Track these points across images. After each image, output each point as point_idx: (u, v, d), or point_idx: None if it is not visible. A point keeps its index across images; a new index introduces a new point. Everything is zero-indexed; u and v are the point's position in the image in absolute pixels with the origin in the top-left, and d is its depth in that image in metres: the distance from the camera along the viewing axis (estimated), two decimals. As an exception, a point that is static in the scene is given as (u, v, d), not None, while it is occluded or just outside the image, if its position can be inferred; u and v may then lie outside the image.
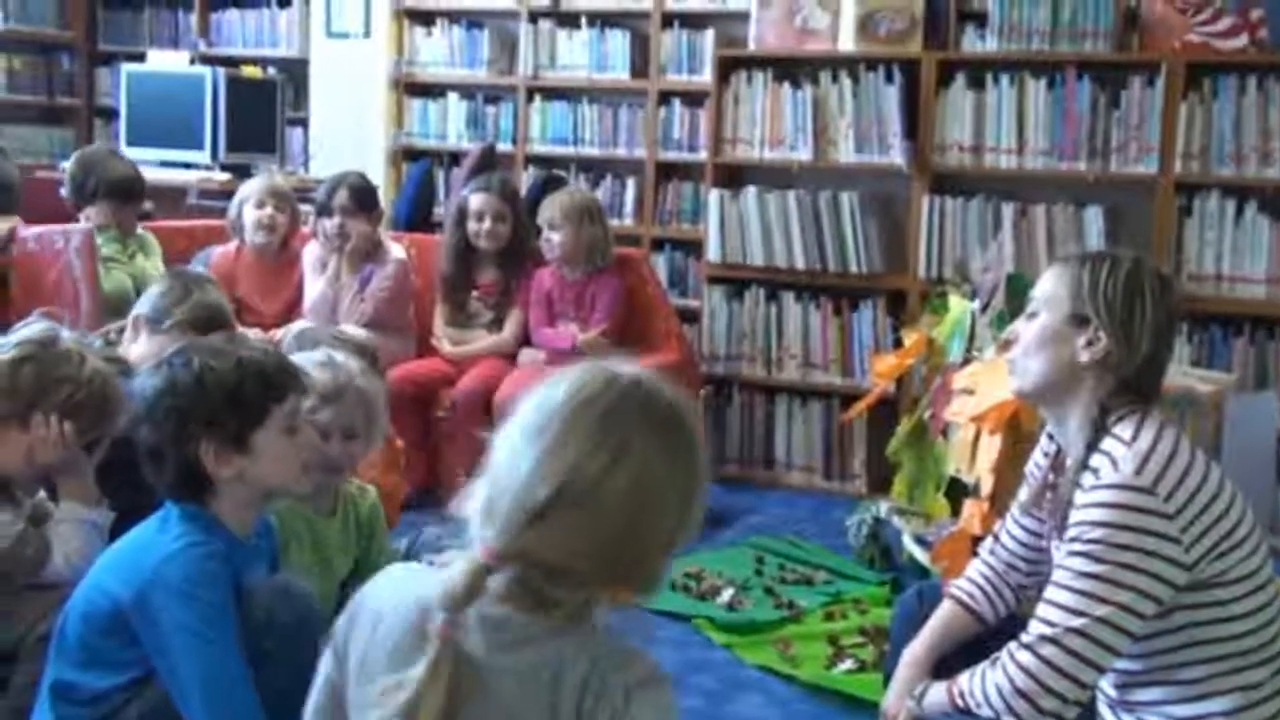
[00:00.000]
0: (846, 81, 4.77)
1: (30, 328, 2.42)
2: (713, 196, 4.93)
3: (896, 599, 3.02)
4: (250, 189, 4.52)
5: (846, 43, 4.80)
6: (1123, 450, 1.91)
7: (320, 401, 2.48)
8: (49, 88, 7.31)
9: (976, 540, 2.79)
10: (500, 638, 1.29)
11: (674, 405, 1.34)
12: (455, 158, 6.11)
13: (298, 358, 2.56)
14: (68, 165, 4.41)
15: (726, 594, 3.63)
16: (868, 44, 4.75)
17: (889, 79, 4.70)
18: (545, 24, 5.95)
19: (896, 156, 4.69)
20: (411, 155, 6.27)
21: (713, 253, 4.95)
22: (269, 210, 4.44)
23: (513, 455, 1.30)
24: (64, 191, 4.37)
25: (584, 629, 1.32)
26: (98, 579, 2.09)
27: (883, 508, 3.91)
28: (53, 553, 2.36)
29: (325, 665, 1.46)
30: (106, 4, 7.40)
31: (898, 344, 4.40)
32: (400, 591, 1.38)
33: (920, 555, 3.51)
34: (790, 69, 4.91)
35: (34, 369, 2.35)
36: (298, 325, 4.06)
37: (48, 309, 2.61)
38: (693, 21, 5.66)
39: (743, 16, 5.21)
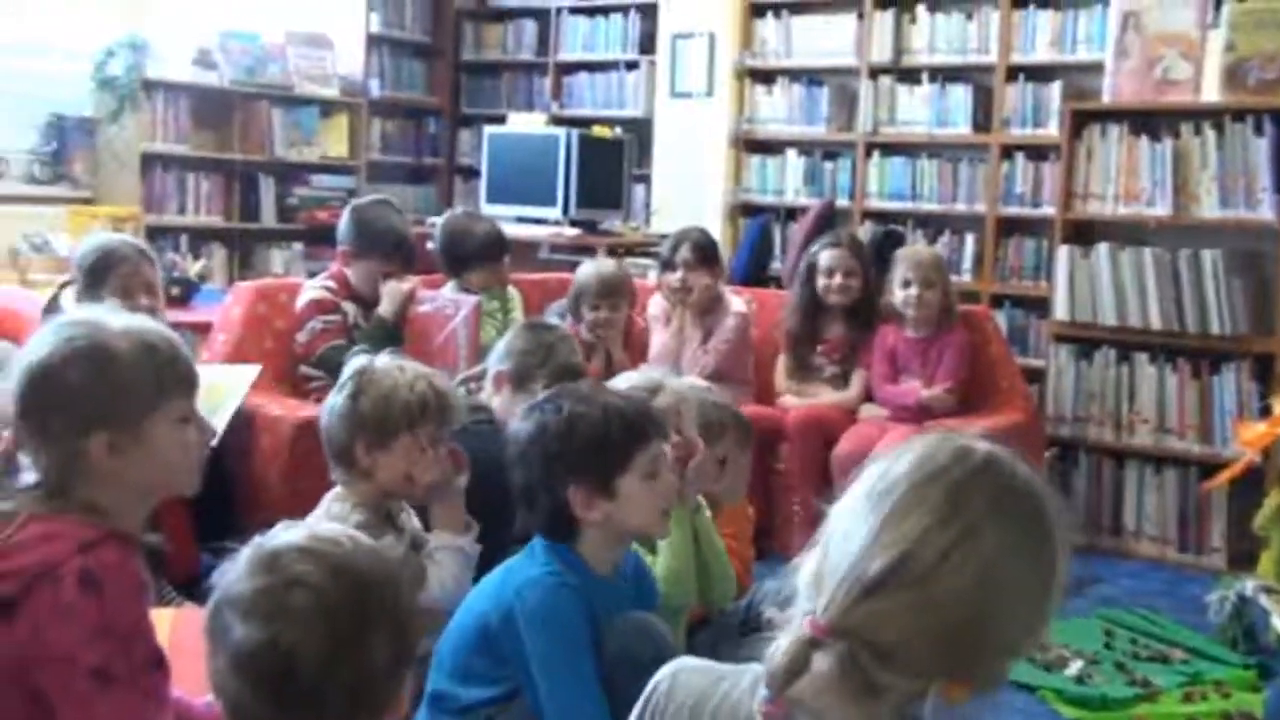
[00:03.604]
0: (1210, 133, 4.52)
1: None
2: (1062, 253, 4.76)
3: (1267, 684, 2.83)
4: (586, 284, 4.32)
5: (1211, 93, 4.55)
6: None
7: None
8: (416, 149, 7.90)
9: (1362, 627, 2.57)
10: None
11: (1033, 493, 1.21)
12: (791, 213, 6.19)
13: (619, 379, 2.71)
14: (436, 236, 4.51)
15: (1074, 666, 3.47)
16: (1235, 94, 4.49)
17: (1258, 130, 4.42)
18: (885, 80, 5.95)
19: (1266, 211, 4.40)
20: (748, 211, 6.39)
21: (1060, 310, 4.78)
22: (604, 313, 4.28)
23: (850, 521, 1.20)
24: (434, 254, 4.50)
25: None
26: (472, 600, 2.24)
27: (1248, 585, 3.65)
28: (429, 579, 2.53)
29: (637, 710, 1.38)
30: (469, 71, 7.94)
31: (1265, 411, 4.11)
32: (719, 687, 1.31)
33: (1292, 639, 3.26)
34: (1148, 121, 4.71)
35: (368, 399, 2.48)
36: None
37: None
38: (1039, 74, 5.53)
39: (1092, 68, 5.06)
